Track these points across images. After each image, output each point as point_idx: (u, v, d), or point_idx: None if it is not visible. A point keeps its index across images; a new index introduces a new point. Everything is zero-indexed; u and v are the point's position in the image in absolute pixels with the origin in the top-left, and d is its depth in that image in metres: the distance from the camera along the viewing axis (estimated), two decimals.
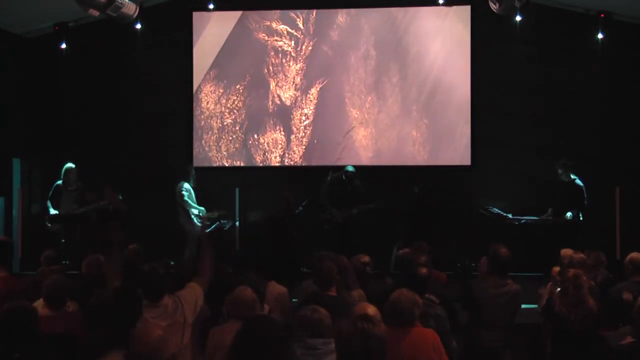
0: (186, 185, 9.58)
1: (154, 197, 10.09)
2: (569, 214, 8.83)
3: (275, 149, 10.66)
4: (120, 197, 9.02)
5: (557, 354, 5.19)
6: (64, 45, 10.16)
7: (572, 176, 9.01)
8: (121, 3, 8.45)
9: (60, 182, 9.47)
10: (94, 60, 10.65)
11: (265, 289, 4.99)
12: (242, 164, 10.75)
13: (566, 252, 6.11)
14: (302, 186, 10.12)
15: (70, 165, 9.51)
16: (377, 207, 9.33)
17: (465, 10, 10.32)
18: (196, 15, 10.74)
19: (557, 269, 6.06)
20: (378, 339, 3.15)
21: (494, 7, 8.52)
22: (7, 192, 10.22)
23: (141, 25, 9.89)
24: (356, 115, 10.56)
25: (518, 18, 9.45)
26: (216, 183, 10.41)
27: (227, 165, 10.77)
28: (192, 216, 9.57)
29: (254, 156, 10.70)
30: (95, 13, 8.44)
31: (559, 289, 5.27)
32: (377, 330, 3.17)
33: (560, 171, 9.00)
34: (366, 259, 5.93)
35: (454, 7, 10.34)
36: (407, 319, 4.23)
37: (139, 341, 3.05)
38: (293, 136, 10.64)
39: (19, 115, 10.57)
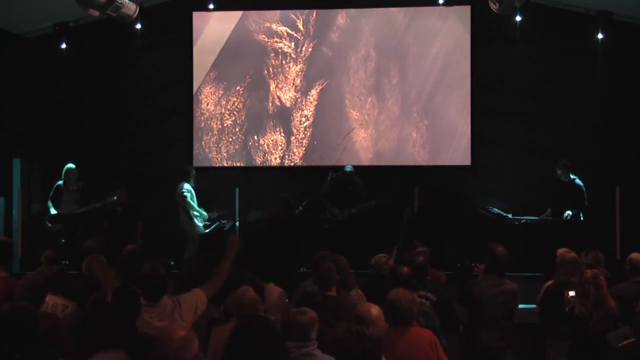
0: (187, 186, 9.58)
1: (154, 197, 10.09)
2: (567, 213, 8.84)
3: (275, 150, 10.65)
4: (116, 198, 9.14)
5: (576, 356, 5.18)
6: (64, 45, 10.15)
7: (572, 176, 9.02)
8: (121, 3, 8.45)
9: (61, 182, 9.48)
10: (94, 60, 10.65)
11: (263, 289, 4.99)
12: (242, 165, 10.75)
13: (561, 251, 6.11)
14: (302, 186, 10.14)
15: (70, 165, 9.52)
16: (378, 204, 9.34)
17: (465, 10, 10.32)
18: (196, 15, 10.74)
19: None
20: (374, 341, 3.14)
21: (494, 7, 8.52)
22: (7, 192, 10.22)
23: (141, 25, 9.89)
24: (356, 117, 10.55)
25: (518, 18, 9.45)
26: (216, 183, 10.40)
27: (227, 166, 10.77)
28: (193, 217, 9.56)
29: (254, 157, 10.69)
30: (95, 13, 8.44)
31: (572, 293, 5.25)
32: (373, 332, 3.15)
33: (559, 172, 9.01)
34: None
35: (454, 7, 10.34)
36: (406, 318, 4.24)
37: (162, 342, 3.04)
38: (293, 137, 10.64)
39: (19, 115, 10.57)
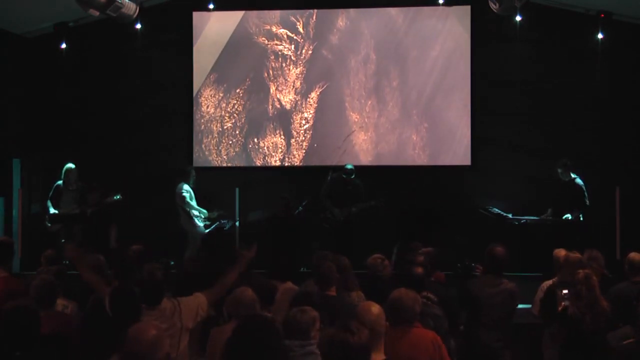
0: (186, 187, 9.58)
1: (154, 197, 10.10)
2: (566, 216, 8.83)
3: (275, 152, 10.64)
4: (118, 197, 9.15)
5: (568, 356, 5.18)
6: (64, 45, 10.16)
7: (573, 175, 9.01)
8: (121, 3, 8.45)
9: (60, 182, 9.48)
10: (94, 60, 10.65)
11: (272, 289, 4.99)
12: (242, 165, 10.74)
13: (559, 252, 6.11)
14: (302, 186, 10.14)
15: (70, 165, 9.52)
16: (377, 204, 9.34)
17: (465, 10, 10.31)
18: (196, 15, 10.73)
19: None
20: (357, 350, 3.14)
21: (494, 7, 8.52)
22: (7, 192, 10.22)
23: (141, 25, 9.90)
24: (356, 119, 10.53)
25: (518, 18, 9.47)
26: (216, 183, 10.40)
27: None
28: (193, 217, 9.57)
29: (254, 160, 10.66)
30: (95, 13, 8.44)
31: (565, 291, 5.27)
32: (357, 340, 3.15)
33: (560, 170, 8.99)
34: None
35: (454, 8, 10.32)
36: (408, 317, 4.22)
37: (133, 340, 3.05)
38: (293, 140, 10.62)
39: (19, 115, 10.57)
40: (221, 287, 4.71)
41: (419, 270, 5.14)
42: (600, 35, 9.67)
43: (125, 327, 3.72)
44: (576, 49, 10.01)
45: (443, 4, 10.24)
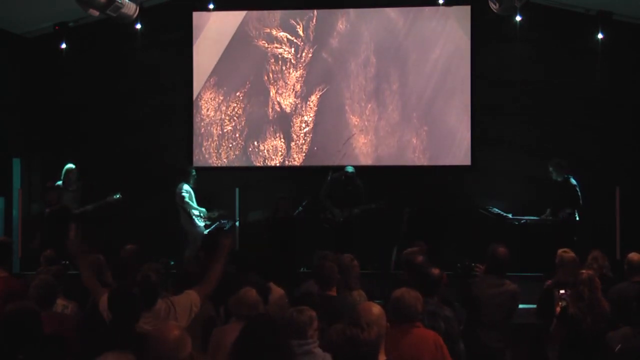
0: (186, 187, 9.57)
1: (154, 197, 10.09)
2: (561, 216, 8.84)
3: (275, 155, 10.63)
4: (118, 196, 9.15)
5: (568, 356, 5.18)
6: (64, 45, 10.16)
7: (566, 175, 8.98)
8: (121, 3, 8.46)
9: (60, 182, 9.48)
10: (94, 60, 10.64)
11: (268, 290, 4.99)
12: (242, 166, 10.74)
13: (560, 252, 6.11)
14: (302, 187, 10.14)
15: (70, 165, 9.52)
16: (378, 206, 9.34)
17: (465, 10, 10.30)
18: (196, 15, 10.73)
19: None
20: (367, 345, 3.14)
21: (494, 7, 8.52)
22: (7, 192, 10.21)
23: (141, 25, 9.89)
24: (356, 123, 10.52)
25: (518, 18, 9.46)
26: (216, 183, 10.41)
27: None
28: (193, 217, 9.57)
29: (254, 163, 10.64)
30: (95, 13, 8.45)
31: (562, 291, 5.27)
32: (367, 336, 3.15)
33: (551, 169, 8.96)
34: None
35: (454, 8, 10.31)
36: (409, 315, 4.21)
37: (156, 341, 3.03)
38: (293, 143, 10.60)
39: (19, 115, 10.57)
40: (210, 281, 4.71)
41: (436, 271, 5.09)
42: (600, 35, 9.66)
43: (125, 327, 3.72)
44: (576, 49, 10.01)
45: (443, 4, 10.23)
